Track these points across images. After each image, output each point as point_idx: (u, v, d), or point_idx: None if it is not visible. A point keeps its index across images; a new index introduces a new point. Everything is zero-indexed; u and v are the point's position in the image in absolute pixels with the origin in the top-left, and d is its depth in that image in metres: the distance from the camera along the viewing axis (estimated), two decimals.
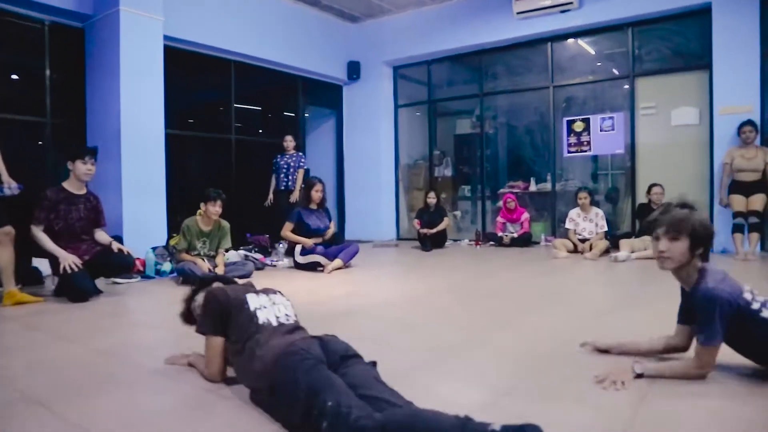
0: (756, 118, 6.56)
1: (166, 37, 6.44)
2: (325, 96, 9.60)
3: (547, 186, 8.25)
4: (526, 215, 7.77)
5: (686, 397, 2.00)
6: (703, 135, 7.01)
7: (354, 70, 9.41)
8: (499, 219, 7.93)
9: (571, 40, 8.02)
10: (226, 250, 5.61)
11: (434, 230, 7.75)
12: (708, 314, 2.05)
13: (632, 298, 4.17)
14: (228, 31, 7.49)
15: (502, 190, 8.62)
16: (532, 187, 8.48)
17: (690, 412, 1.88)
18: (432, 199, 7.98)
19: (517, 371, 2.35)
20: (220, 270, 5.11)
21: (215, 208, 5.25)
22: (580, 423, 1.82)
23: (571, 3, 7.48)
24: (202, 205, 5.31)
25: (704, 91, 6.98)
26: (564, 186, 8.14)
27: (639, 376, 2.16)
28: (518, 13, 7.85)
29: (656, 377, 2.15)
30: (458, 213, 9.49)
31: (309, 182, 6.18)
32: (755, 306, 2.05)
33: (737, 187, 6.44)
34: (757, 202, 6.30)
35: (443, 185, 9.69)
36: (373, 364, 1.93)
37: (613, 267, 5.82)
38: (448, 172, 9.74)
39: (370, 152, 9.42)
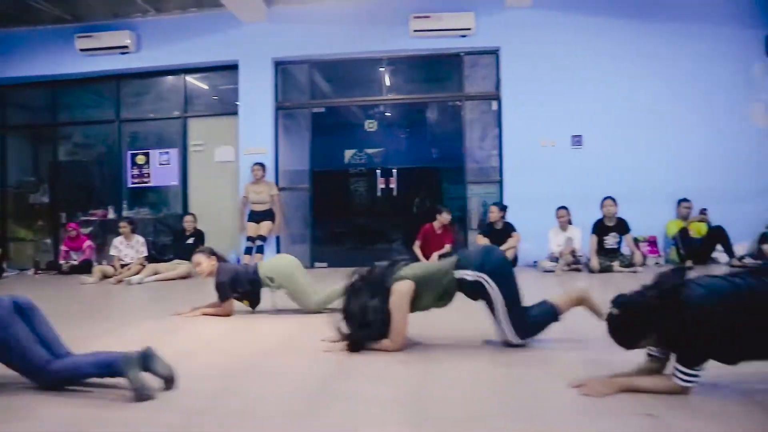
0: (270, 158, 8.16)
1: None
2: None
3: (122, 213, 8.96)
4: (88, 243, 8.35)
5: None
6: (238, 170, 8.40)
7: None
8: (63, 247, 8.37)
9: (138, 80, 8.90)
10: None
11: None
12: None
13: None
14: None
15: (84, 218, 9.09)
16: (111, 215, 9.12)
17: None
18: None
19: None
20: None
21: None
22: None
23: (127, 47, 8.37)
24: None
25: (236, 134, 8.39)
26: (137, 214, 8.92)
27: None
28: (81, 50, 8.48)
29: None
30: (49, 241, 9.68)
31: None
32: None
33: (252, 215, 7.91)
34: (264, 227, 7.82)
35: (40, 213, 9.80)
36: None
37: (115, 288, 6.65)
38: (46, 199, 9.88)
39: None
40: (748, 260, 7.19)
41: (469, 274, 3.06)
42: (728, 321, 2.10)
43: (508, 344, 3.09)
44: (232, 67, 8.40)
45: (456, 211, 7.95)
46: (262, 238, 7.77)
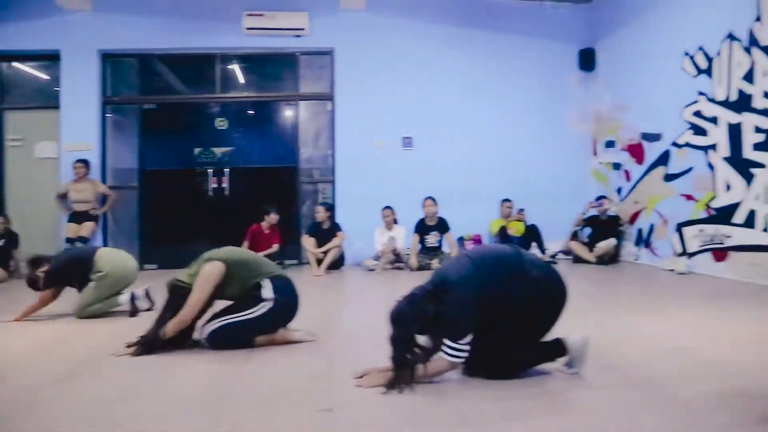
0: (95, 155, 7.80)
1: None
2: None
3: None
4: None
5: None
6: (60, 167, 7.93)
7: None
8: None
9: None
10: None
11: None
12: None
13: None
14: None
15: None
16: None
17: None
18: None
19: None
20: None
21: None
22: None
23: None
24: None
25: (58, 128, 7.93)
26: None
27: None
28: None
29: None
30: None
31: None
32: None
33: (73, 216, 7.52)
34: (85, 228, 7.45)
35: None
36: None
37: None
38: None
39: None
40: (560, 256, 7.79)
41: (269, 292, 3.14)
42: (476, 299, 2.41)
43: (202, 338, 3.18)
44: (54, 57, 7.93)
45: (288, 211, 7.98)
46: (83, 240, 7.40)
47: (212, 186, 7.99)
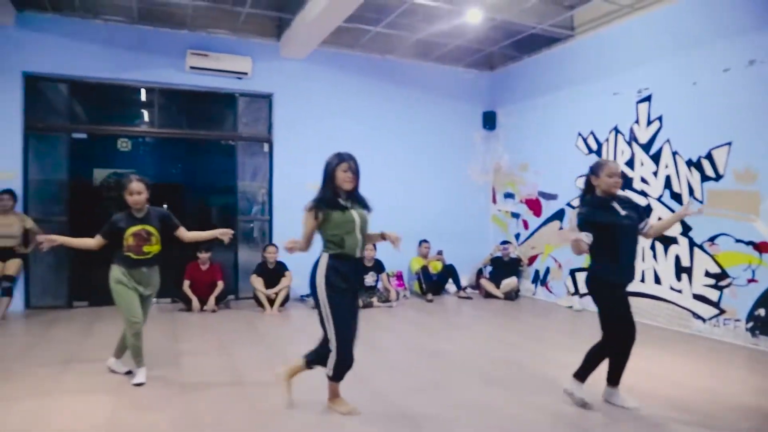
0: (18, 184, 7.59)
1: None
2: None
3: None
4: None
5: None
6: None
7: None
8: None
9: None
10: None
11: None
12: None
13: None
14: None
15: None
16: None
17: None
18: None
19: None
20: None
21: None
22: None
23: None
24: None
25: None
26: None
27: None
28: None
29: None
30: None
31: None
32: None
33: None
34: (11, 267, 7.20)
35: None
36: None
37: None
38: None
39: None
40: (469, 290, 9.37)
41: None
42: None
43: None
44: None
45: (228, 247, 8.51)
46: (10, 279, 7.18)
47: None
